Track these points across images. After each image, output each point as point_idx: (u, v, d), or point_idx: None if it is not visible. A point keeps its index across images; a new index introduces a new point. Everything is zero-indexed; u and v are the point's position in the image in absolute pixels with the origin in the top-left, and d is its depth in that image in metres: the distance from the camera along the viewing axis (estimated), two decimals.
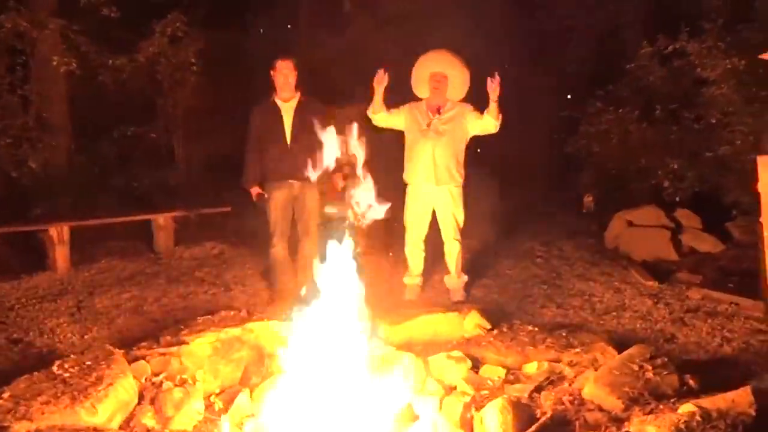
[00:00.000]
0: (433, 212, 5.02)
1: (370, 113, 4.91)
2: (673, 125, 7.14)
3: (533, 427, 2.82)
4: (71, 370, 3.28)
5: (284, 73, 4.72)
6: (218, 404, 3.44)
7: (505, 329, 4.11)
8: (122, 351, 3.63)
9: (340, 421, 2.96)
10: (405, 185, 5.05)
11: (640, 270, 5.66)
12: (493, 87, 4.62)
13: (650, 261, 6.05)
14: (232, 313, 4.30)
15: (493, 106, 4.67)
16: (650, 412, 2.81)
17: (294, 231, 5.07)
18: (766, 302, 3.83)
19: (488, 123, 4.76)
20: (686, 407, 2.67)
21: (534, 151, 10.33)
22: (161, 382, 3.40)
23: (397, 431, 2.99)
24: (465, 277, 5.14)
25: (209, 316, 4.21)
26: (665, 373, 3.20)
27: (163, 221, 6.45)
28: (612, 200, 8.04)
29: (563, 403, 3.13)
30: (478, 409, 3.13)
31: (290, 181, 4.83)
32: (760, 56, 3.28)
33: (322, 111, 4.91)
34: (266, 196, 4.90)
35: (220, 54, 7.94)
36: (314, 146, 4.80)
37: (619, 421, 2.87)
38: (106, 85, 7.18)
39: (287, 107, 4.82)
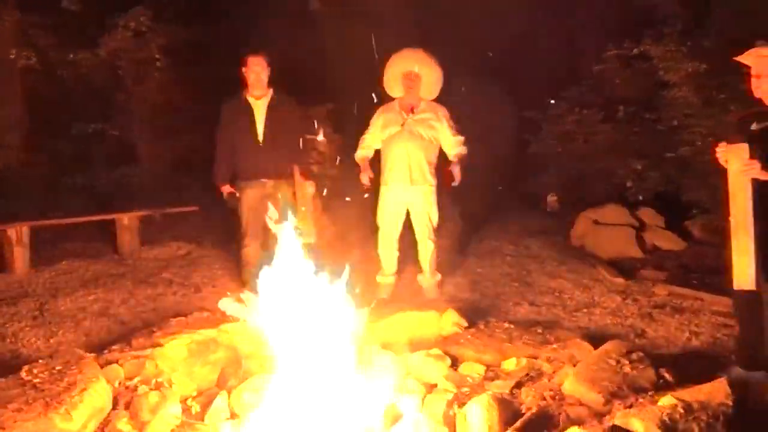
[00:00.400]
0: (407, 212, 5.03)
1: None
2: (635, 127, 7.31)
3: (518, 423, 2.84)
4: (41, 375, 3.16)
5: (256, 70, 4.64)
6: (195, 407, 3.35)
7: (482, 327, 4.14)
8: (92, 355, 3.52)
9: (324, 421, 2.93)
10: (378, 185, 5.05)
11: (607, 267, 5.78)
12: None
13: (616, 258, 6.19)
14: (205, 314, 4.22)
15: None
16: (631, 406, 2.87)
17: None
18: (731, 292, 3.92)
19: (451, 151, 4.87)
20: (666, 400, 2.73)
21: (498, 152, 10.45)
22: (136, 386, 3.31)
23: (382, 430, 2.98)
24: (439, 276, 5.16)
25: (182, 318, 4.12)
26: (642, 367, 3.27)
27: (127, 221, 6.28)
28: (575, 199, 8.20)
29: (545, 399, 3.17)
30: (460, 406, 3.14)
31: (263, 179, 4.77)
32: (735, 58, 3.37)
33: (295, 109, 4.88)
34: (237, 195, 4.81)
35: (187, 50, 7.77)
36: (287, 144, 4.82)
37: (600, 415, 2.92)
38: (66, 81, 6.94)
39: (259, 105, 4.75)
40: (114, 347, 3.70)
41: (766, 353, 3.46)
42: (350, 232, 6.85)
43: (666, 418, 2.47)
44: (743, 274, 3.04)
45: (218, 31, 8.01)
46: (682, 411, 2.50)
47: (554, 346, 3.71)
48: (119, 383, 3.33)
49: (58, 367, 3.25)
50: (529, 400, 3.15)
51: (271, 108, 4.75)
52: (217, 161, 4.88)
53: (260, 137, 4.73)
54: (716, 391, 2.77)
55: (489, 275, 5.83)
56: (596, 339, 3.95)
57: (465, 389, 3.41)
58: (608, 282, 5.43)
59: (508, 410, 2.95)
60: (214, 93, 8.88)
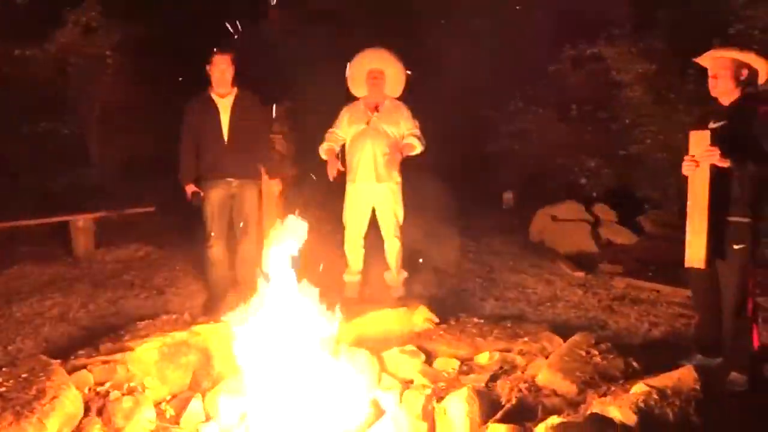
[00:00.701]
0: (372, 210, 5.05)
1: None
2: (588, 125, 7.55)
3: (498, 414, 2.91)
4: (6, 384, 3.06)
5: (221, 68, 4.57)
6: (170, 411, 3.31)
7: (452, 322, 4.21)
8: (58, 361, 3.40)
9: (304, 420, 2.92)
10: (344, 182, 5.06)
11: (567, 262, 5.95)
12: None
13: (573, 253, 6.36)
14: (174, 316, 4.15)
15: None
16: (605, 394, 2.98)
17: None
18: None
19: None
20: (638, 387, 2.85)
21: (453, 150, 10.57)
22: (107, 392, 3.23)
23: (363, 427, 3.00)
24: (405, 274, 5.19)
25: (150, 321, 4.03)
26: (611, 357, 3.40)
27: (82, 223, 6.07)
28: (530, 196, 8.38)
29: (521, 391, 3.24)
30: (438, 400, 3.19)
31: (228, 179, 4.69)
32: (694, 60, 3.53)
33: (260, 107, 4.83)
34: (201, 194, 4.72)
35: (140, 46, 7.56)
36: (252, 143, 4.77)
37: (575, 404, 3.02)
38: (13, 78, 6.66)
39: (224, 103, 4.68)
40: (80, 353, 3.58)
41: (722, 340, 3.65)
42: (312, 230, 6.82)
43: (642, 404, 2.58)
44: (696, 253, 3.23)
45: (173, 26, 7.83)
46: (656, 397, 2.61)
47: (525, 339, 3.82)
48: (89, 389, 3.25)
49: (23, 375, 3.14)
50: (505, 393, 3.23)
51: (236, 106, 4.68)
52: (181, 160, 4.78)
53: (225, 136, 4.65)
54: (685, 378, 2.91)
55: (453, 272, 5.91)
56: (563, 331, 4.07)
57: (441, 384, 3.46)
58: (569, 276, 5.59)
59: (487, 402, 3.02)
60: (169, 91, 8.76)
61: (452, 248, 6.79)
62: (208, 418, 3.29)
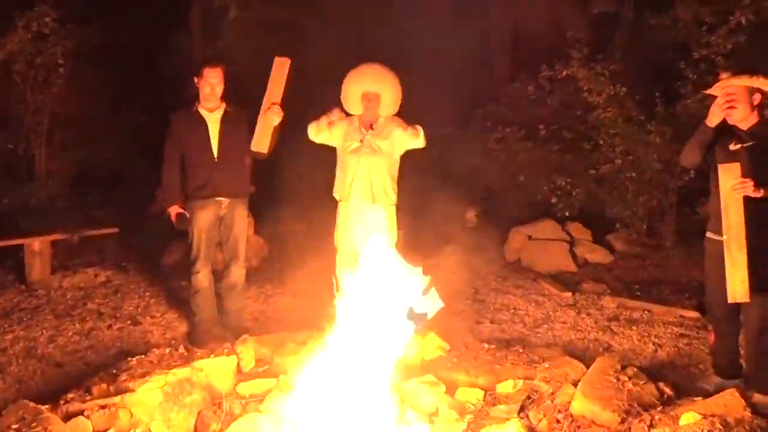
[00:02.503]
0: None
1: (313, 130, 4.67)
2: (557, 145, 7.63)
3: None
4: None
5: (212, 83, 4.27)
6: None
7: (463, 349, 4.06)
8: (47, 407, 3.02)
9: None
10: (335, 202, 4.85)
11: (551, 281, 5.93)
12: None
13: (552, 272, 6.36)
14: (167, 350, 3.77)
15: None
16: (651, 424, 2.90)
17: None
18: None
19: (410, 139, 4.70)
20: (691, 416, 2.79)
21: (413, 168, 10.50)
22: None
23: None
24: None
25: (142, 356, 3.65)
26: (642, 383, 3.34)
27: (38, 246, 5.54)
28: (494, 215, 8.38)
29: (559, 422, 3.14)
30: None
31: (218, 198, 4.38)
32: (704, 91, 3.56)
33: (249, 122, 4.55)
34: (188, 216, 4.38)
35: (94, 55, 7.06)
36: (242, 160, 4.49)
37: None
38: None
39: (212, 118, 4.37)
40: (70, 396, 3.18)
41: (740, 362, 3.67)
42: (287, 251, 6.56)
43: None
44: (738, 287, 3.17)
45: (129, 35, 7.39)
46: (720, 426, 2.54)
47: (546, 365, 3.70)
48: None
49: (14, 426, 2.75)
50: (543, 425, 3.10)
51: (225, 122, 4.39)
52: (166, 179, 4.43)
53: (215, 153, 4.35)
54: (732, 403, 2.87)
55: (440, 293, 5.75)
56: (572, 355, 4.02)
57: (468, 416, 3.31)
58: (556, 296, 5.56)
59: None
60: (125, 101, 8.26)
61: (432, 267, 6.66)
62: None
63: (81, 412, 3.00)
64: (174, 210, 4.40)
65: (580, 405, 3.18)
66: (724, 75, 3.46)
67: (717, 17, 6.98)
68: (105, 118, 8.00)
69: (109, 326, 4.66)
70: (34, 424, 2.76)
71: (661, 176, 6.88)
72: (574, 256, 6.63)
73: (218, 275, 4.61)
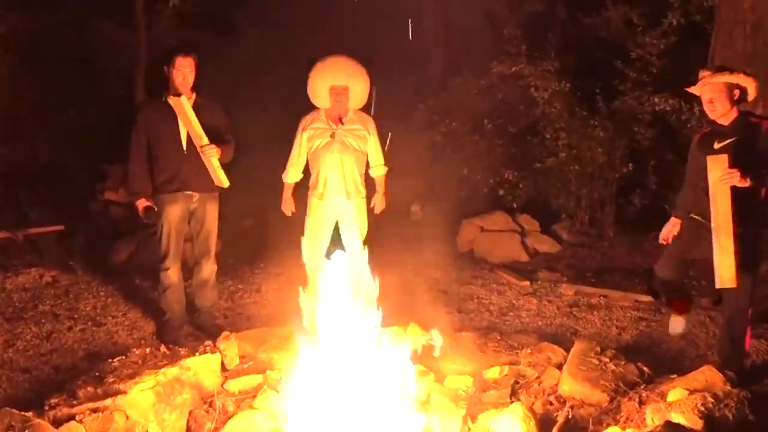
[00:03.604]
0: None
1: (293, 175, 4.81)
2: (503, 139, 7.86)
3: (555, 429, 2.89)
4: None
5: (184, 72, 4.11)
6: None
7: (446, 338, 4.13)
8: (31, 413, 2.84)
9: None
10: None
11: (507, 271, 6.13)
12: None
13: (505, 262, 6.57)
14: (148, 350, 3.63)
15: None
16: (641, 401, 3.08)
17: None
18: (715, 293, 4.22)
19: (374, 170, 4.90)
20: (678, 392, 2.98)
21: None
22: None
23: None
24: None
25: (123, 357, 3.50)
26: (623, 363, 3.52)
27: None
28: (437, 208, 8.54)
29: (552, 403, 3.27)
30: (473, 421, 3.11)
31: (188, 192, 4.23)
32: (686, 89, 3.76)
33: (221, 114, 4.43)
34: (156, 210, 4.21)
35: (25, 44, 6.63)
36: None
37: (610, 412, 3.10)
38: None
39: None
40: (53, 401, 3.01)
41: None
42: (239, 247, 6.43)
43: (702, 408, 2.69)
44: (727, 273, 3.31)
45: (65, 21, 6.97)
46: (712, 400, 2.73)
47: (528, 350, 3.84)
48: None
49: None
50: (537, 407, 3.22)
51: (196, 113, 4.24)
52: (133, 172, 4.23)
53: (184, 145, 4.20)
54: (712, 378, 3.09)
55: (403, 286, 5.82)
56: (544, 340, 4.19)
57: (462, 403, 3.38)
58: (516, 285, 5.73)
59: (537, 419, 2.98)
60: (57, 93, 7.79)
61: (389, 261, 6.72)
62: None
63: (71, 417, 2.84)
64: (142, 203, 4.23)
65: (569, 386, 3.32)
66: (705, 73, 3.66)
67: (644, 18, 7.43)
68: (32, 112, 7.56)
69: (69, 328, 4.42)
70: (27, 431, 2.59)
71: (602, 169, 7.25)
72: (525, 247, 6.86)
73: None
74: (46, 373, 3.70)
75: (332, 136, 4.64)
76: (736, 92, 3.52)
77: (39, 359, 3.90)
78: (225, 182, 4.25)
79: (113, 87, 7.63)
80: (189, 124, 4.11)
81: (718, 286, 3.37)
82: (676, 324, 4.08)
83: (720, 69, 3.59)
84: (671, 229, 3.87)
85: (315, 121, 4.71)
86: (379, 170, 4.87)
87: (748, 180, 3.28)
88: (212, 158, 4.15)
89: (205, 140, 4.10)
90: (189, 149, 4.21)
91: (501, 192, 7.65)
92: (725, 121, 3.54)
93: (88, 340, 4.25)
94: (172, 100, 4.12)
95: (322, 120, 4.71)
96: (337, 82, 4.63)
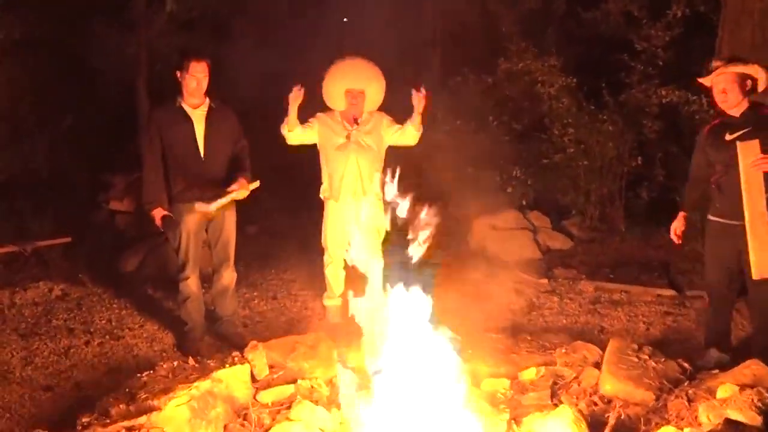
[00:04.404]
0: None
1: (285, 131, 4.50)
2: (510, 135, 7.80)
3: (607, 431, 2.82)
4: None
5: (198, 77, 3.99)
6: None
7: (474, 339, 4.06)
8: None
9: None
10: (322, 201, 4.72)
11: (523, 269, 6.06)
12: (419, 98, 4.48)
13: (519, 260, 6.49)
14: (175, 363, 3.53)
15: (417, 117, 4.55)
16: (689, 398, 3.01)
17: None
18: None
19: (410, 134, 4.61)
20: (728, 388, 2.92)
21: None
22: None
23: None
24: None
25: (150, 372, 3.39)
26: (662, 360, 3.46)
27: None
28: (444, 208, 8.47)
29: (596, 404, 3.20)
30: (518, 425, 3.04)
31: None
32: (698, 80, 3.72)
33: (235, 119, 4.33)
34: (174, 219, 4.09)
35: (16, 50, 6.47)
36: (229, 159, 4.26)
37: (659, 412, 3.03)
38: None
39: (197, 114, 4.11)
40: (84, 420, 2.90)
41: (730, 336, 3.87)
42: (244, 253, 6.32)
43: (759, 404, 2.63)
44: (764, 263, 3.29)
45: (62, 27, 6.81)
46: (766, 394, 2.67)
47: (563, 350, 3.77)
48: None
49: None
50: (582, 408, 3.15)
51: (210, 119, 4.14)
52: (148, 180, 4.11)
53: (202, 152, 4.10)
54: (760, 372, 3.03)
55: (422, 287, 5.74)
56: (573, 338, 4.12)
57: (501, 407, 3.31)
58: (534, 284, 5.68)
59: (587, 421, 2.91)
60: (50, 102, 7.61)
61: (402, 261, 6.64)
62: None
63: None
64: (159, 213, 4.10)
65: (611, 386, 3.26)
66: (718, 63, 3.62)
67: (644, 11, 7.40)
68: (31, 119, 7.41)
69: (87, 342, 4.30)
70: None
71: (611, 163, 7.21)
72: (537, 244, 6.80)
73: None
74: (68, 390, 3.59)
75: (348, 137, 4.56)
76: (748, 83, 3.50)
77: (60, 376, 3.78)
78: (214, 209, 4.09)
79: (112, 92, 7.49)
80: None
81: (755, 277, 3.32)
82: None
83: (733, 59, 3.56)
84: (678, 224, 3.85)
85: (331, 120, 4.63)
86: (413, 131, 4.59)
87: None
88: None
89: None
90: (206, 156, 4.12)
91: (509, 189, 7.59)
92: (736, 112, 3.51)
93: (108, 354, 4.13)
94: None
95: (337, 120, 4.63)
96: (354, 85, 4.53)
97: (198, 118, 4.12)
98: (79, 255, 6.18)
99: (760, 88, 3.60)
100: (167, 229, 4.11)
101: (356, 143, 4.56)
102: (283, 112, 4.50)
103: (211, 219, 4.20)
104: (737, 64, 3.56)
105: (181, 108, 4.09)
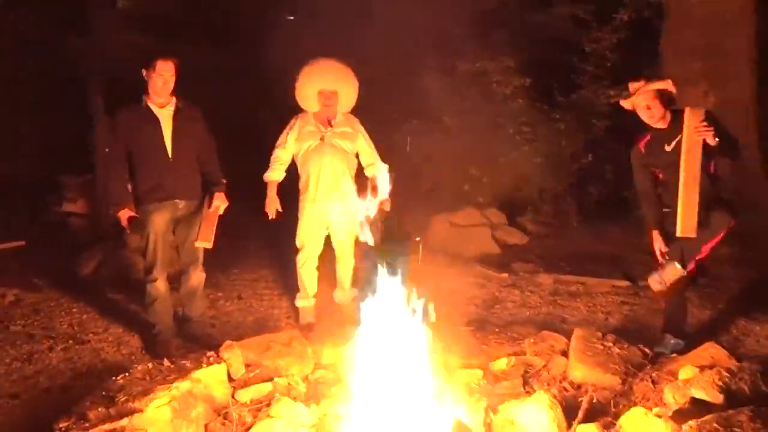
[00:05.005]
0: None
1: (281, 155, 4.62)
2: (467, 135, 7.97)
3: (581, 415, 2.95)
4: None
5: (165, 76, 3.95)
6: None
7: (443, 332, 4.15)
8: None
9: None
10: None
11: (484, 264, 6.22)
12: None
13: (479, 256, 6.66)
14: (150, 365, 3.47)
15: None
16: (653, 381, 3.19)
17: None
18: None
19: (368, 168, 4.74)
20: (689, 370, 3.11)
21: None
22: None
23: None
24: (355, 291, 4.99)
25: (126, 374, 3.33)
26: (626, 346, 3.65)
27: None
28: (402, 206, 8.58)
29: (566, 390, 3.35)
30: (494, 412, 3.14)
31: (175, 200, 4.09)
32: (620, 102, 3.94)
33: (200, 118, 4.30)
34: (141, 220, 4.03)
35: None
36: (196, 159, 4.23)
37: (626, 395, 3.20)
38: None
39: (164, 114, 4.06)
40: (62, 424, 2.85)
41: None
42: None
43: (719, 383, 2.81)
44: (688, 223, 3.50)
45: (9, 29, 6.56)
46: (727, 375, 2.86)
47: (531, 340, 3.91)
48: None
49: None
50: (554, 393, 3.28)
51: (177, 118, 4.09)
52: (113, 181, 4.04)
53: (169, 152, 4.05)
54: (717, 354, 3.24)
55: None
56: (538, 329, 4.28)
57: (476, 395, 3.41)
58: (496, 278, 5.83)
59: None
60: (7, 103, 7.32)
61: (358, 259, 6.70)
62: None
63: None
64: (125, 214, 4.04)
65: (580, 372, 3.42)
66: (635, 85, 3.83)
67: (591, 15, 7.72)
68: None
69: (50, 348, 4.18)
70: None
71: (564, 161, 7.47)
72: (495, 240, 6.98)
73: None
74: (37, 396, 3.50)
75: (322, 139, 4.58)
76: (665, 96, 3.72)
77: (25, 383, 3.67)
78: (210, 241, 4.21)
79: (64, 92, 7.26)
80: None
81: (679, 234, 3.55)
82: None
83: (648, 78, 3.80)
84: (658, 243, 3.90)
85: (304, 124, 4.64)
86: (375, 169, 4.70)
87: (716, 139, 3.45)
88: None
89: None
90: (174, 156, 4.08)
91: (466, 187, 7.76)
92: (663, 124, 3.75)
93: (74, 359, 4.03)
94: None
95: (311, 123, 4.63)
96: (326, 86, 4.57)
97: (165, 118, 4.08)
98: (32, 259, 5.98)
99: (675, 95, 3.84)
100: (134, 230, 4.05)
101: (330, 145, 4.58)
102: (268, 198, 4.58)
103: (179, 220, 4.16)
104: (653, 81, 3.81)
105: (148, 107, 4.04)
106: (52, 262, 5.95)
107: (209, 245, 4.23)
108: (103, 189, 6.22)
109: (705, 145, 3.55)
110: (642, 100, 3.74)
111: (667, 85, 3.74)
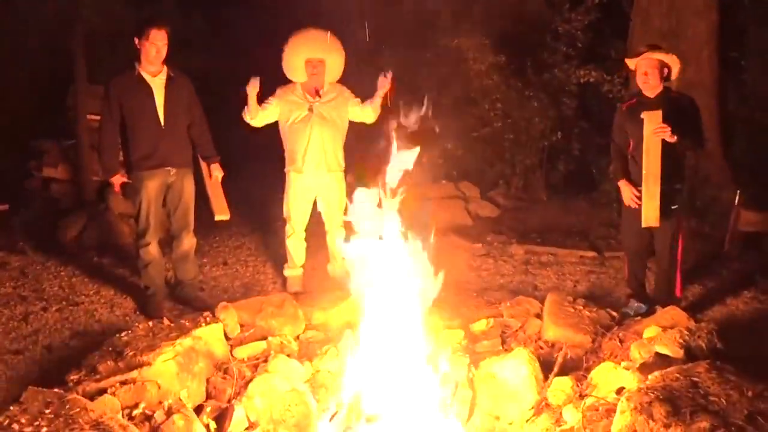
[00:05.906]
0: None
1: (248, 118, 4.56)
2: (436, 110, 8.13)
3: (556, 369, 3.24)
4: (42, 426, 2.48)
5: (158, 45, 4.02)
6: (212, 424, 3.00)
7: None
8: (58, 390, 2.83)
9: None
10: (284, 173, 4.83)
11: (459, 235, 6.48)
12: (384, 83, 4.54)
13: (453, 227, 6.91)
14: (151, 323, 3.62)
15: (377, 100, 4.62)
16: (621, 339, 3.51)
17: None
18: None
19: (367, 113, 4.69)
20: (653, 330, 3.42)
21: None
22: (147, 414, 2.80)
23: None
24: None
25: (128, 332, 3.48)
26: (595, 309, 3.96)
27: None
28: (377, 180, 8.76)
29: (542, 348, 3.64)
30: (476, 367, 3.41)
31: (166, 167, 4.20)
32: (626, 60, 4.19)
33: (192, 88, 4.39)
34: (134, 185, 4.15)
35: None
36: (188, 127, 4.34)
37: (595, 352, 3.51)
38: None
39: (156, 82, 4.14)
40: (72, 377, 3.01)
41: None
42: None
43: (681, 341, 3.13)
44: (651, 214, 3.86)
45: None
46: (687, 333, 3.18)
47: (507, 304, 4.20)
48: (123, 415, 2.78)
49: (47, 411, 2.58)
50: (531, 351, 3.57)
51: (169, 86, 4.17)
52: (105, 147, 4.13)
53: (162, 119, 4.14)
54: (678, 316, 3.57)
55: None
56: (514, 295, 4.56)
57: (459, 353, 3.68)
58: (470, 248, 6.10)
59: None
60: None
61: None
62: (251, 426, 3.06)
63: (100, 391, 2.87)
64: (117, 180, 4.16)
65: (553, 332, 3.72)
66: (643, 49, 4.10)
67: None
68: None
69: (44, 309, 4.30)
70: (68, 407, 2.60)
71: (534, 137, 7.74)
72: (468, 212, 7.25)
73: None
74: (39, 353, 3.63)
75: (310, 109, 4.63)
76: (665, 70, 4.00)
77: (25, 340, 3.79)
78: (226, 212, 4.40)
79: (43, 60, 7.17)
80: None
81: (644, 225, 3.91)
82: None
83: (656, 47, 4.06)
84: (628, 190, 4.10)
85: (291, 94, 4.67)
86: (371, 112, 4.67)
87: (675, 137, 3.76)
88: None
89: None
90: (166, 124, 4.17)
91: (441, 161, 7.97)
92: (652, 93, 4.02)
93: (69, 319, 4.16)
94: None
95: (298, 93, 4.67)
96: (314, 54, 4.59)
97: (158, 87, 4.16)
98: (15, 223, 6.00)
99: (674, 76, 4.11)
100: (127, 195, 4.17)
101: (319, 116, 4.62)
102: (243, 102, 4.52)
103: (170, 185, 4.27)
104: (660, 51, 4.05)
105: (140, 76, 4.11)
106: (36, 228, 5.98)
107: (227, 216, 4.40)
108: (88, 155, 6.25)
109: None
110: (644, 65, 3.98)
111: (671, 59, 3.98)
